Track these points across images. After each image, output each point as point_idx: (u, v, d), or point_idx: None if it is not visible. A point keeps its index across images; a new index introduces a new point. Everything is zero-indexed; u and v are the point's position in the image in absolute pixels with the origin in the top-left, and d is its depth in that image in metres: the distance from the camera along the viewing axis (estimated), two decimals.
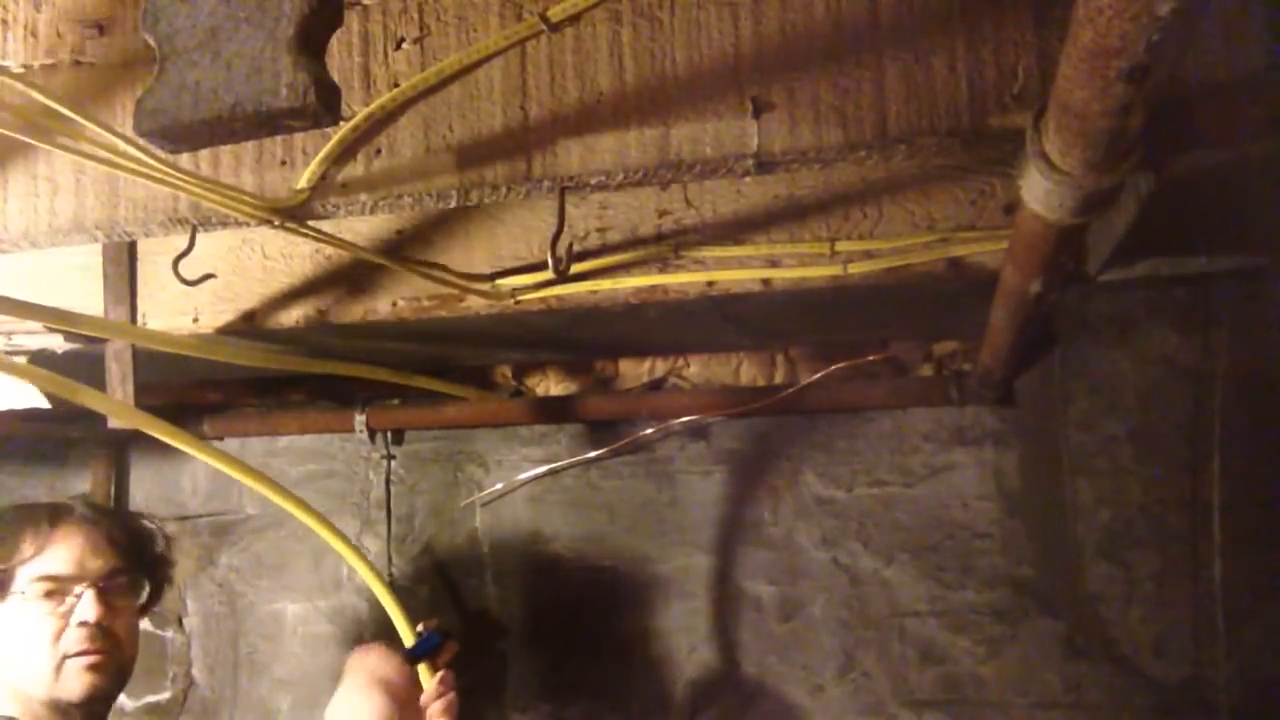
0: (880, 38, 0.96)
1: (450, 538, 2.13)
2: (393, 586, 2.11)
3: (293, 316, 1.54)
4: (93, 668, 1.36)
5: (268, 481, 1.39)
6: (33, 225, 1.13)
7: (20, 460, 2.30)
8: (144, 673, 2.03)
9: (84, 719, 1.38)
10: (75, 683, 1.35)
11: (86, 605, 1.36)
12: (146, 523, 1.60)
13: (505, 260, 1.49)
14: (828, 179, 1.39)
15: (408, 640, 1.53)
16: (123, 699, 1.71)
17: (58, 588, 1.37)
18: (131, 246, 1.44)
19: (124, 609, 1.42)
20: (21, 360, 1.58)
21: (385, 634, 2.10)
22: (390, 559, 2.14)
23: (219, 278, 1.51)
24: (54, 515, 1.44)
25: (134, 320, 1.48)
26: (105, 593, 1.39)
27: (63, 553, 1.40)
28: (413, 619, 1.55)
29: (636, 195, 1.44)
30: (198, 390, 2.15)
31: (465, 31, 1.03)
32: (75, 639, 1.35)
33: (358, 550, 1.54)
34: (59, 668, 1.34)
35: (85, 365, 1.51)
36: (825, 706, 1.93)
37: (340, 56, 1.05)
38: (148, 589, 1.48)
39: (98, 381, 1.47)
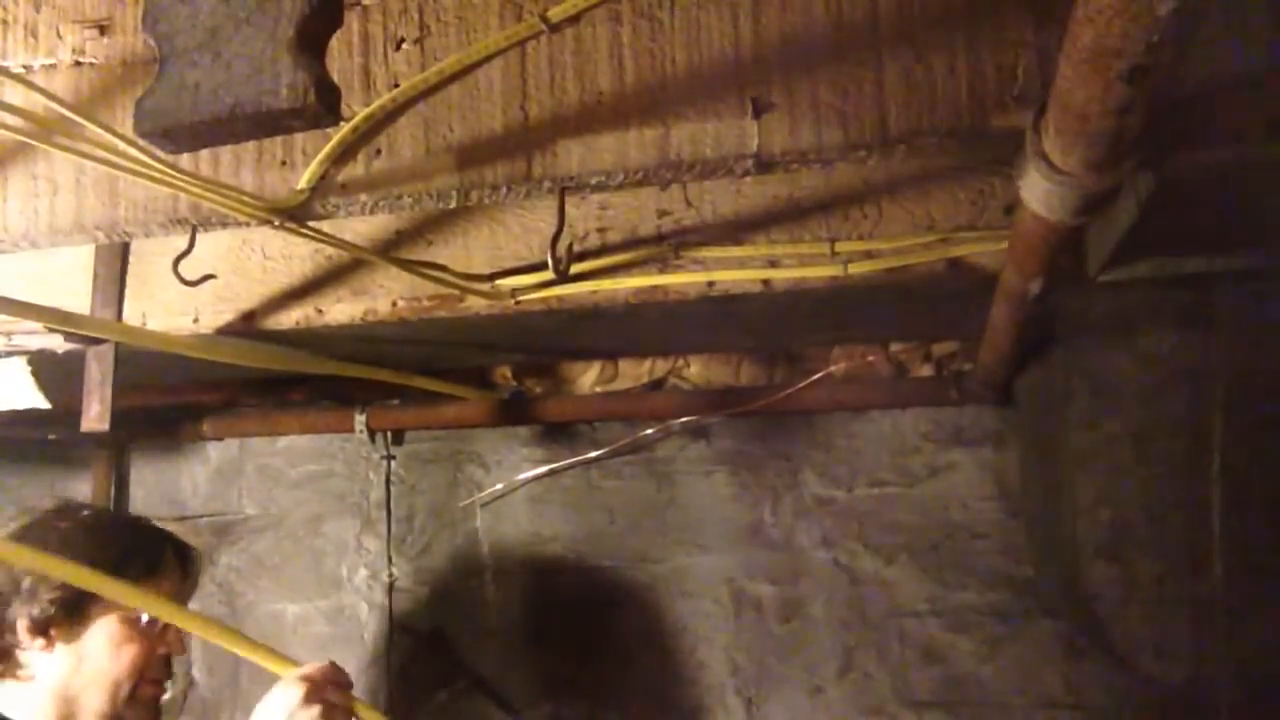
0: (880, 38, 0.96)
1: (450, 538, 2.13)
2: (394, 586, 2.12)
3: (293, 317, 1.54)
4: (158, 697, 1.40)
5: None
6: (33, 225, 1.13)
7: (20, 460, 2.30)
8: None
9: None
10: (144, 708, 1.38)
11: (175, 637, 1.41)
12: (194, 551, 1.59)
13: (505, 260, 1.48)
14: (828, 179, 1.39)
15: None
16: None
17: (138, 613, 1.38)
18: (124, 247, 1.44)
19: None
20: (22, 359, 1.58)
21: (383, 637, 2.11)
22: (390, 559, 2.14)
23: (219, 278, 1.51)
24: (159, 543, 1.47)
25: (120, 320, 1.47)
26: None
27: (164, 585, 1.43)
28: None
29: (636, 195, 1.44)
30: (198, 390, 2.15)
31: (465, 32, 1.03)
32: (157, 666, 1.39)
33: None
34: (133, 692, 1.36)
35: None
36: (825, 707, 1.93)
37: (340, 57, 1.05)
38: None
39: None
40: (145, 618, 1.38)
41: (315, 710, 1.19)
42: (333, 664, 1.26)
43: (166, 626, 1.40)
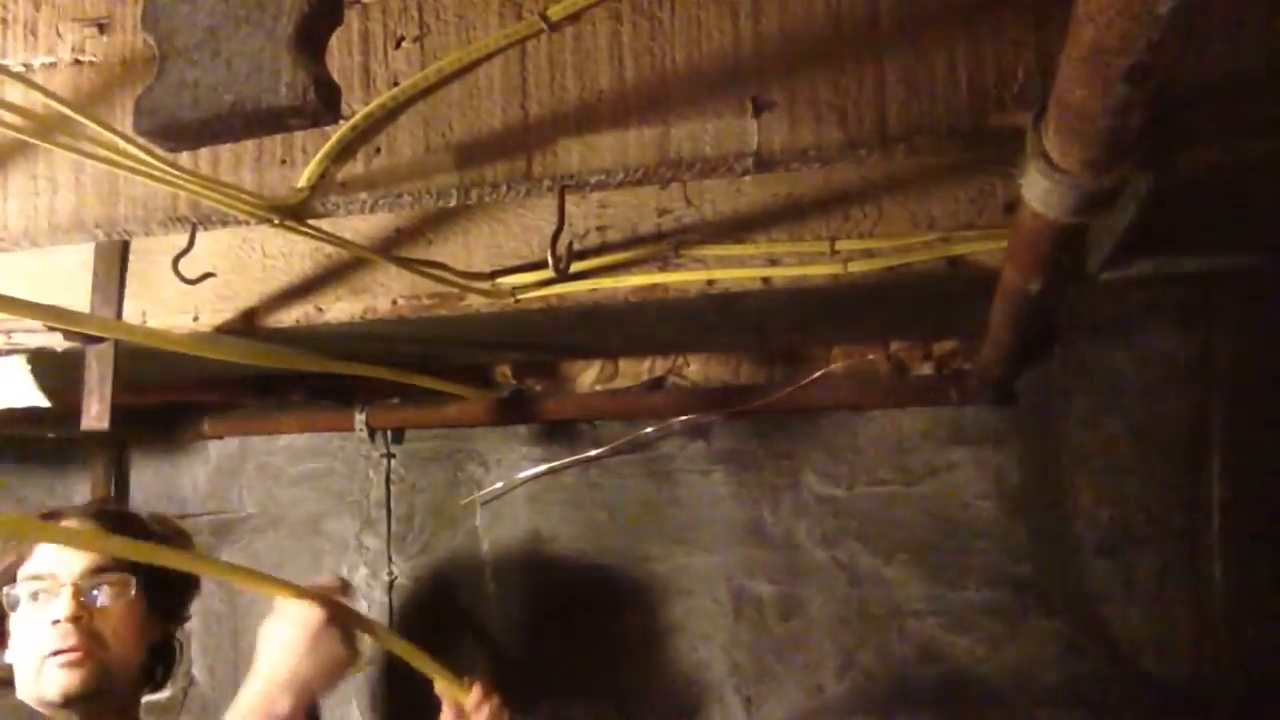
0: (880, 37, 0.96)
1: (450, 536, 2.13)
2: (394, 584, 2.12)
3: (293, 315, 1.54)
4: (68, 665, 1.34)
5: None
6: (33, 224, 1.13)
7: (20, 460, 2.30)
8: None
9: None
10: (50, 682, 1.34)
11: (58, 603, 1.36)
12: (154, 523, 1.57)
13: (505, 259, 1.48)
14: (828, 178, 1.39)
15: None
16: None
17: (44, 588, 1.38)
18: (124, 246, 1.44)
19: (111, 607, 1.41)
20: (22, 358, 1.58)
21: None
22: (390, 558, 2.14)
23: (219, 276, 1.51)
24: (45, 518, 1.46)
25: (119, 319, 1.47)
26: (84, 590, 1.39)
27: (47, 552, 1.41)
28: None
29: (636, 194, 1.44)
30: (198, 390, 2.15)
31: (465, 30, 1.03)
32: (50, 638, 1.35)
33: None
34: (40, 668, 1.34)
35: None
36: (825, 706, 1.93)
37: (340, 55, 1.05)
38: (134, 585, 1.44)
39: None
40: (32, 590, 1.38)
41: (338, 634, 1.15)
42: (342, 580, 1.21)
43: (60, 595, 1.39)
